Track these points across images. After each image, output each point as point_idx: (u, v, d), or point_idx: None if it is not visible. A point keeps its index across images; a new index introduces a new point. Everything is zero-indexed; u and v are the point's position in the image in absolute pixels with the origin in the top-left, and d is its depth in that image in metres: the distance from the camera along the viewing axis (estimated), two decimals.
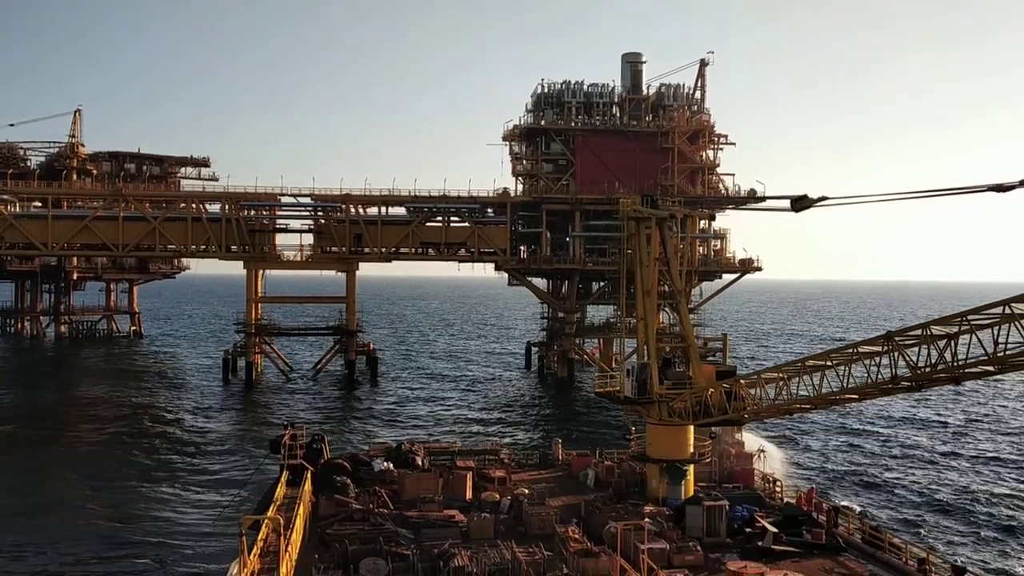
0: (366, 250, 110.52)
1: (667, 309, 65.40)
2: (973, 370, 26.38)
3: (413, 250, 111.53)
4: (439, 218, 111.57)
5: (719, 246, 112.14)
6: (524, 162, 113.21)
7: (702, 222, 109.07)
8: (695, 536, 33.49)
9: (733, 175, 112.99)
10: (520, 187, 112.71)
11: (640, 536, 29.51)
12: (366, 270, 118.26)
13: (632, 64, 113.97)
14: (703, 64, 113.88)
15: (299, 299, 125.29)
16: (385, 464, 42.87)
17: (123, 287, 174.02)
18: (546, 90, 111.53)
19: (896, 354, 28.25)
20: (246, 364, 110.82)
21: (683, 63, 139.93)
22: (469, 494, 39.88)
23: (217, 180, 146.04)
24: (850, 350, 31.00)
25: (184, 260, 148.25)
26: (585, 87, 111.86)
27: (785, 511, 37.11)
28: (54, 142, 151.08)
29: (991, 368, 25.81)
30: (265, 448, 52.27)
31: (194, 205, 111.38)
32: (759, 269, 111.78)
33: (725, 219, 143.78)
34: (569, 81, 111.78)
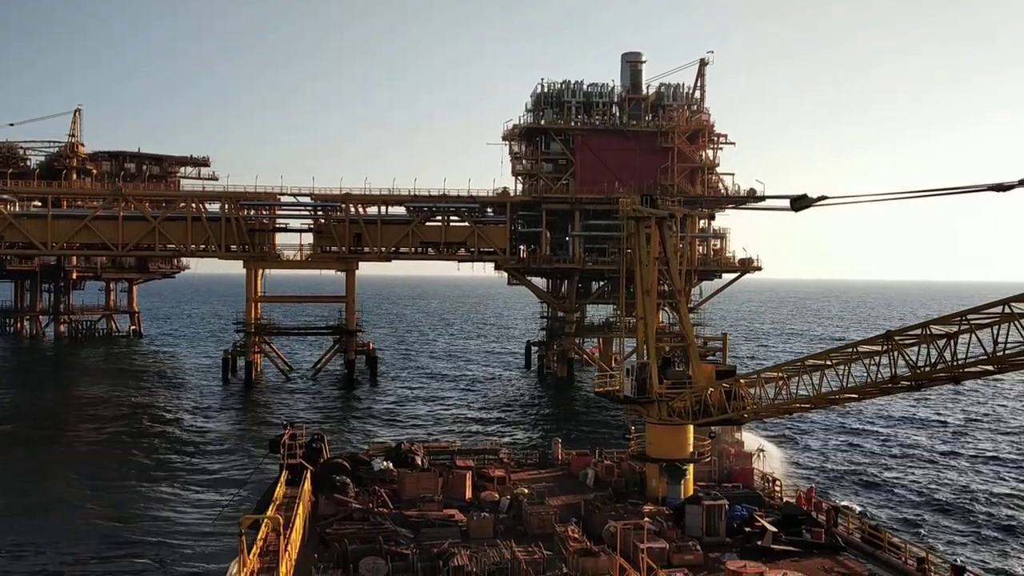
0: (366, 250, 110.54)
1: (667, 308, 65.45)
2: (973, 369, 26.39)
3: (413, 250, 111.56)
4: (439, 218, 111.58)
5: (719, 245, 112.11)
6: (524, 162, 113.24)
7: (702, 221, 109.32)
8: (694, 535, 33.49)
9: (733, 175, 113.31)
10: (520, 187, 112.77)
11: (640, 535, 29.48)
12: (366, 269, 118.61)
13: (632, 64, 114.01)
14: (703, 64, 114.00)
15: (299, 299, 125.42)
16: (385, 464, 42.90)
17: (123, 287, 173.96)
18: (546, 90, 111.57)
19: (896, 353, 28.25)
20: (246, 364, 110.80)
21: (683, 62, 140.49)
22: (469, 494, 39.90)
23: (217, 179, 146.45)
24: (850, 349, 30.99)
25: (184, 260, 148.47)
26: (585, 87, 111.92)
27: (785, 510, 37.11)
28: (54, 141, 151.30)
29: (991, 367, 25.81)
30: (265, 448, 52.19)
31: (194, 205, 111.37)
32: (759, 269, 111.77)
33: (725, 219, 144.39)
34: (569, 81, 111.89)
